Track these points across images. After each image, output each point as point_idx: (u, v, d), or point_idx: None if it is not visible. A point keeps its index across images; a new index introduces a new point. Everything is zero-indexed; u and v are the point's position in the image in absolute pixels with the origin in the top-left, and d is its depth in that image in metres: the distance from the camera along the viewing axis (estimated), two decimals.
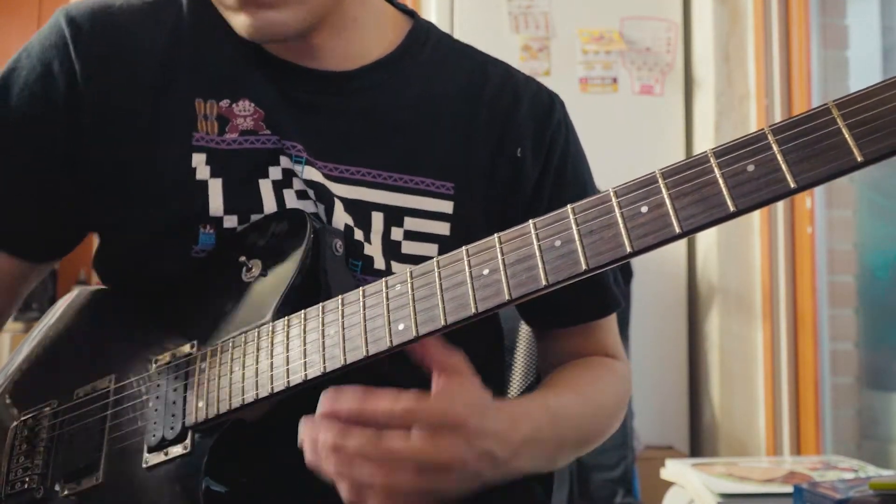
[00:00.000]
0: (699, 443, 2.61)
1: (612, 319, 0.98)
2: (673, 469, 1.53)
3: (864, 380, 2.39)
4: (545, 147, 0.92)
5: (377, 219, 0.86)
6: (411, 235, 0.86)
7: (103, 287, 0.92)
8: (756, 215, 2.51)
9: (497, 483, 0.73)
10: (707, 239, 2.60)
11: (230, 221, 0.83)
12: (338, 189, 0.85)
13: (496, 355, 0.98)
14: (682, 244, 2.65)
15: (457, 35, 1.00)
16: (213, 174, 0.84)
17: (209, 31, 0.88)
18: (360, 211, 0.85)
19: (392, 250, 0.85)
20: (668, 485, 1.57)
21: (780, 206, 2.45)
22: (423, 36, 0.95)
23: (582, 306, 0.94)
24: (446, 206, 0.87)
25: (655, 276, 2.60)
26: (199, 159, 0.84)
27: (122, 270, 0.89)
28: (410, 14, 0.97)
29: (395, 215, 0.86)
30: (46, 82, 0.84)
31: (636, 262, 2.51)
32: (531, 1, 2.66)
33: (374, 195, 0.86)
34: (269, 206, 0.84)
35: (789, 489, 1.24)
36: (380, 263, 0.85)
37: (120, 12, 0.87)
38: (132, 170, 0.84)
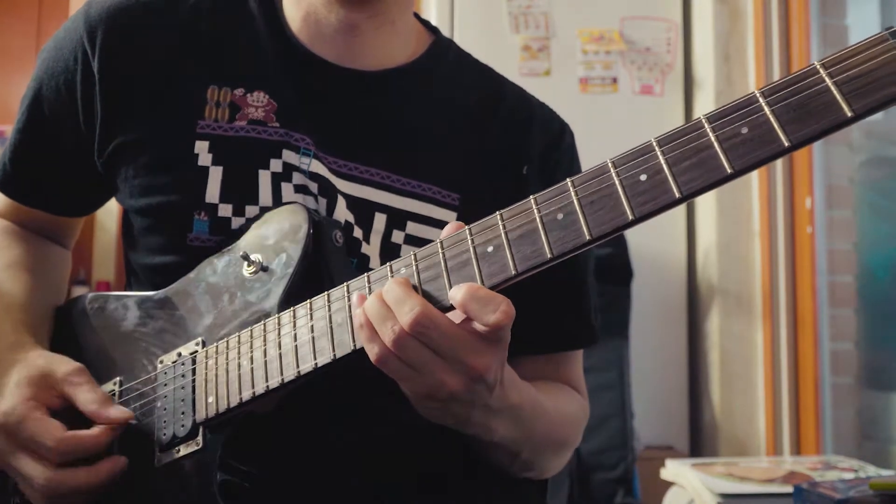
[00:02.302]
0: (699, 443, 2.61)
1: (580, 355, 0.98)
2: (673, 469, 1.54)
3: (864, 380, 2.39)
4: (550, 170, 0.93)
5: (380, 220, 0.86)
6: (412, 240, 0.86)
7: (104, 293, 0.93)
8: (756, 216, 2.51)
9: (462, 428, 0.73)
10: (707, 239, 2.60)
11: (225, 210, 0.84)
12: (343, 185, 0.86)
13: None
14: (682, 244, 2.65)
15: (457, 35, 1.01)
16: (215, 161, 0.85)
17: (233, 21, 0.90)
18: (363, 210, 0.86)
19: (391, 252, 0.86)
20: (668, 485, 1.57)
21: (780, 206, 2.45)
22: (443, 50, 0.96)
23: (560, 333, 0.94)
24: (450, 216, 0.88)
25: (655, 276, 2.60)
26: (201, 146, 0.85)
27: (134, 248, 0.92)
28: (433, 30, 0.99)
29: (398, 218, 0.86)
30: (68, 72, 0.89)
31: (636, 263, 2.52)
32: (531, 1, 2.66)
33: (379, 196, 0.86)
34: (265, 197, 0.84)
35: (789, 489, 1.24)
36: (375, 263, 0.85)
37: (136, 4, 0.89)
38: (135, 153, 0.87)
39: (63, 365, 0.81)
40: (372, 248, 0.85)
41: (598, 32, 2.67)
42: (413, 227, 0.87)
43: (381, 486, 0.85)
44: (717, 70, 2.59)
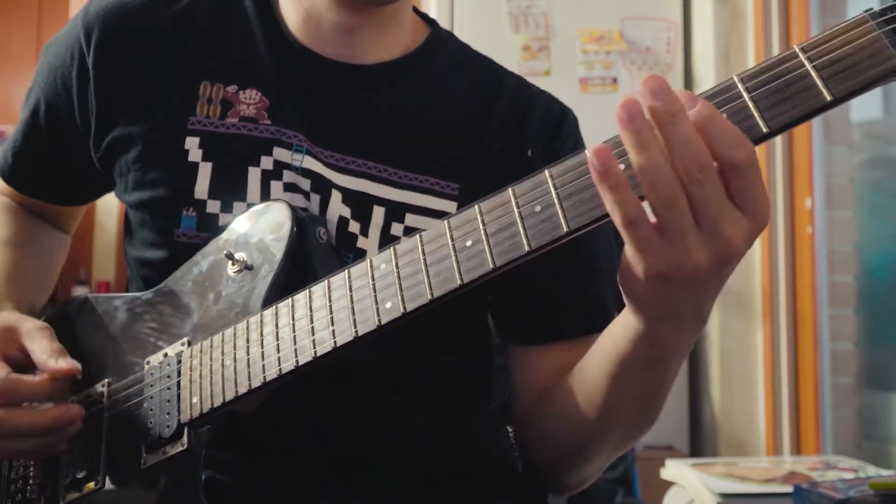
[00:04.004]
0: (699, 443, 2.61)
1: None
2: (673, 469, 1.53)
3: (864, 380, 2.39)
4: (555, 155, 0.91)
5: (378, 213, 0.86)
6: (411, 232, 0.86)
7: (93, 294, 0.93)
8: None
9: (677, 332, 0.69)
10: None
11: (213, 206, 0.84)
12: (339, 179, 0.86)
13: (485, 357, 0.97)
14: None
15: (456, 34, 1.00)
16: (205, 157, 0.85)
17: (227, 18, 0.90)
18: (360, 203, 0.86)
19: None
20: (668, 485, 1.57)
21: (780, 206, 2.45)
22: (441, 42, 0.96)
23: (573, 319, 0.90)
24: (450, 207, 0.87)
25: None
26: (192, 142, 0.85)
27: (131, 241, 0.93)
28: (431, 23, 0.99)
29: (397, 211, 0.86)
30: (64, 68, 0.91)
31: None
32: (531, 1, 2.66)
33: (377, 189, 0.86)
34: (254, 194, 0.84)
35: (789, 489, 1.24)
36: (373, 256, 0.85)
37: (133, 2, 0.90)
38: (129, 147, 0.88)
39: (29, 322, 0.82)
40: (370, 242, 0.85)
41: (598, 32, 2.68)
42: (412, 219, 0.86)
43: (372, 487, 0.85)
44: (717, 70, 2.60)
